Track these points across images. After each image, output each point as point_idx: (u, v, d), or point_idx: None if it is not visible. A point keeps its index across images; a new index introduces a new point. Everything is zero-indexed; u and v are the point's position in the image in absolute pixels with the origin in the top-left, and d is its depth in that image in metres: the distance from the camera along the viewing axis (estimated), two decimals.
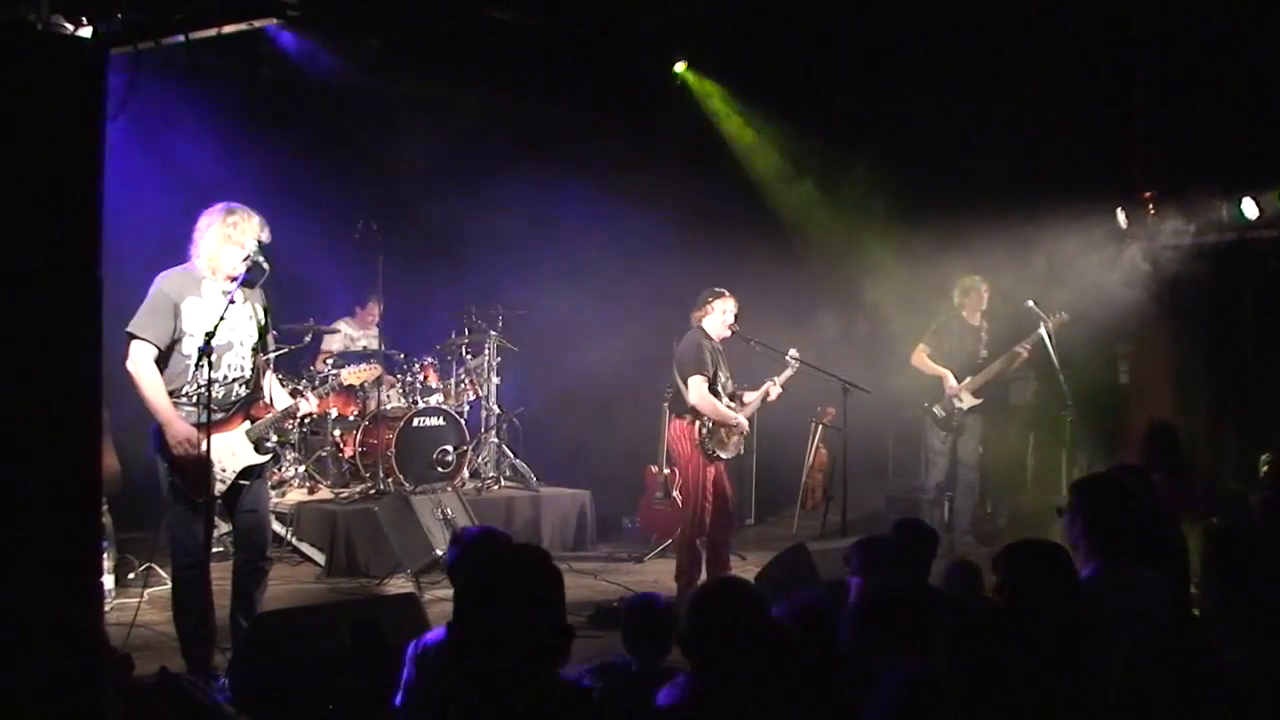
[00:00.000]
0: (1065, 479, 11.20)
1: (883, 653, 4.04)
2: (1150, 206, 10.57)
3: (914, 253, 11.52)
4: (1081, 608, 4.22)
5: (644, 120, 13.52)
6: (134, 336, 6.31)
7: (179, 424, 6.27)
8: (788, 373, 9.04)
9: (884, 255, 12.05)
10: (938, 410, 10.83)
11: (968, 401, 10.77)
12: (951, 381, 10.73)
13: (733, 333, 8.84)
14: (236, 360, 6.52)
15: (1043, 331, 9.79)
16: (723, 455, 8.80)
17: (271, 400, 6.78)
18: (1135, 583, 4.61)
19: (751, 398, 9.01)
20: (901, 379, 11.15)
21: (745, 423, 8.85)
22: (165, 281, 6.40)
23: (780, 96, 13.10)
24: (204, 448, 6.11)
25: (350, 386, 10.64)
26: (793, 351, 9.07)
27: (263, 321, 6.68)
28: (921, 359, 10.88)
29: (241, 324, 6.52)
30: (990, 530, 11.60)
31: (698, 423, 8.68)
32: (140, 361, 6.30)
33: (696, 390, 8.60)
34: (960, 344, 10.86)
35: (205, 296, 6.41)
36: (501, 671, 2.98)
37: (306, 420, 10.56)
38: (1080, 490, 4.98)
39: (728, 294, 8.85)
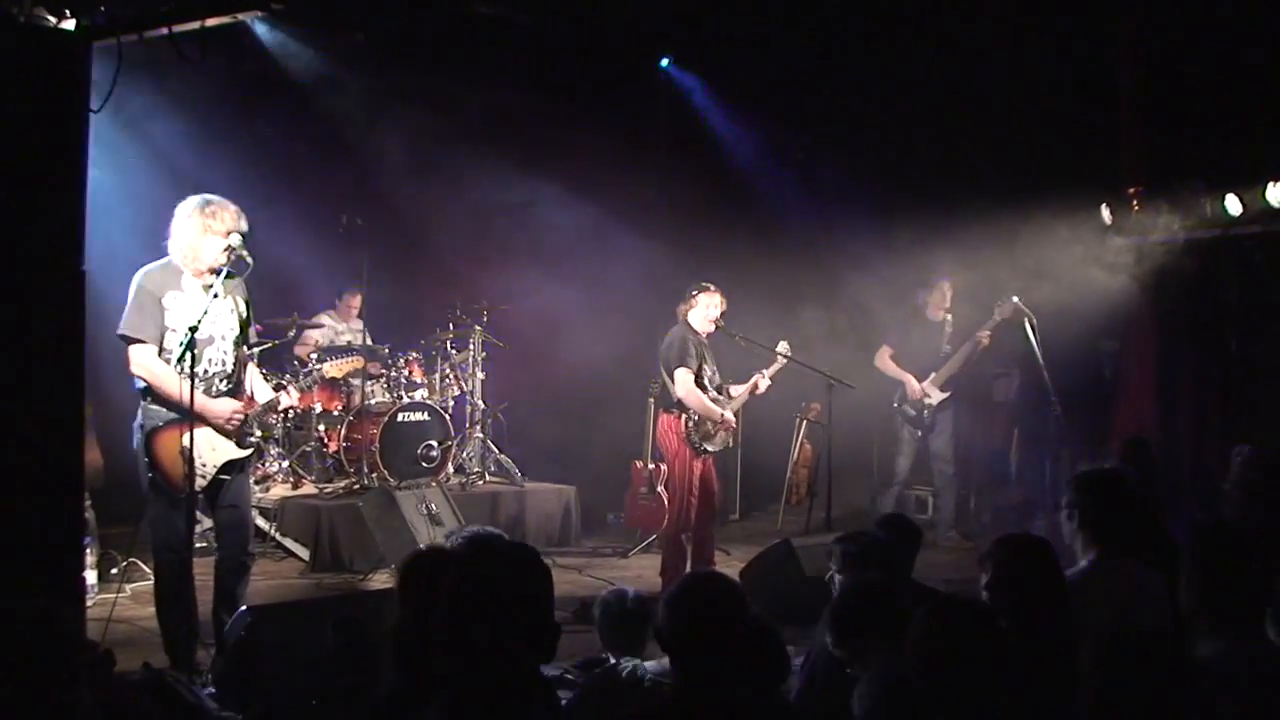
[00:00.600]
0: (1049, 475, 11.24)
1: (858, 654, 4.05)
2: (1135, 202, 10.59)
3: (898, 248, 11.54)
4: (1063, 603, 4.23)
5: (629, 115, 13.51)
6: (131, 340, 6.26)
7: (213, 406, 6.30)
8: (776, 365, 9.03)
9: (869, 250, 12.05)
10: (908, 409, 10.89)
11: (935, 396, 10.84)
12: (913, 384, 10.81)
13: (717, 327, 8.82)
14: (218, 355, 6.48)
15: (1026, 328, 9.80)
16: (709, 449, 8.79)
17: (253, 393, 6.74)
18: (1131, 578, 4.63)
19: (739, 391, 9.01)
20: (887, 375, 11.16)
21: (731, 417, 8.84)
22: (145, 278, 6.34)
23: (765, 91, 13.10)
24: (188, 441, 6.09)
25: (334, 381, 10.62)
26: (783, 345, 9.06)
27: (244, 315, 6.63)
28: (885, 361, 10.93)
29: (223, 318, 6.48)
30: (974, 526, 11.63)
31: (684, 416, 8.68)
32: (147, 361, 6.25)
33: (682, 383, 8.59)
34: (924, 341, 10.93)
35: (186, 290, 6.35)
36: (487, 668, 2.97)
37: (290, 415, 10.53)
38: (1078, 484, 4.98)
39: (713, 288, 8.83)
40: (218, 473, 6.47)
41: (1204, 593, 3.88)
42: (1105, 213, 10.72)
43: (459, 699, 2.97)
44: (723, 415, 8.72)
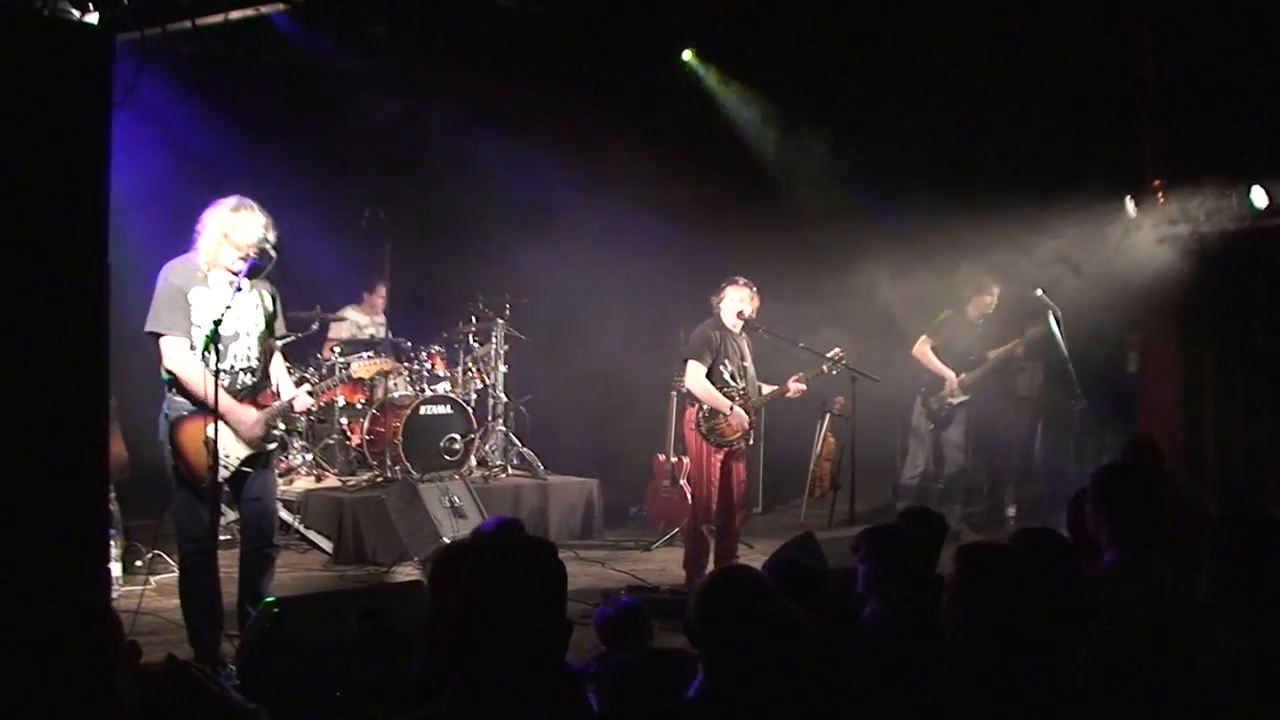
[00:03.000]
0: (1074, 468, 11.20)
1: None
2: (1159, 195, 10.52)
3: (918, 240, 11.49)
4: (1083, 597, 4.20)
5: (652, 108, 13.49)
6: (160, 335, 6.27)
7: (238, 413, 6.31)
8: (815, 370, 9.02)
9: (889, 243, 12.00)
10: (932, 402, 10.80)
11: (959, 397, 10.76)
12: (953, 381, 10.71)
13: (743, 321, 8.81)
14: (243, 351, 6.49)
15: (1051, 321, 9.76)
16: (720, 442, 8.77)
17: (279, 388, 6.76)
18: (1155, 571, 4.59)
19: (769, 390, 9.00)
20: (910, 368, 11.10)
21: (742, 413, 8.79)
22: (172, 273, 6.34)
23: (787, 83, 13.06)
24: (211, 432, 6.11)
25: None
26: (835, 351, 9.06)
27: (271, 310, 6.63)
28: (925, 353, 10.79)
29: (248, 313, 6.49)
30: (999, 520, 11.59)
31: (697, 408, 8.72)
32: (179, 357, 6.26)
33: (691, 374, 8.68)
34: (963, 341, 10.83)
35: (212, 287, 6.36)
36: (498, 662, 2.96)
37: (313, 409, 10.57)
38: (1102, 478, 4.95)
39: (741, 282, 8.82)
40: (241, 465, 6.48)
41: (1223, 586, 3.84)
42: (1130, 205, 10.66)
43: (459, 697, 2.96)
44: (731, 408, 8.70)
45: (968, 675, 3.12)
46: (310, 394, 7.00)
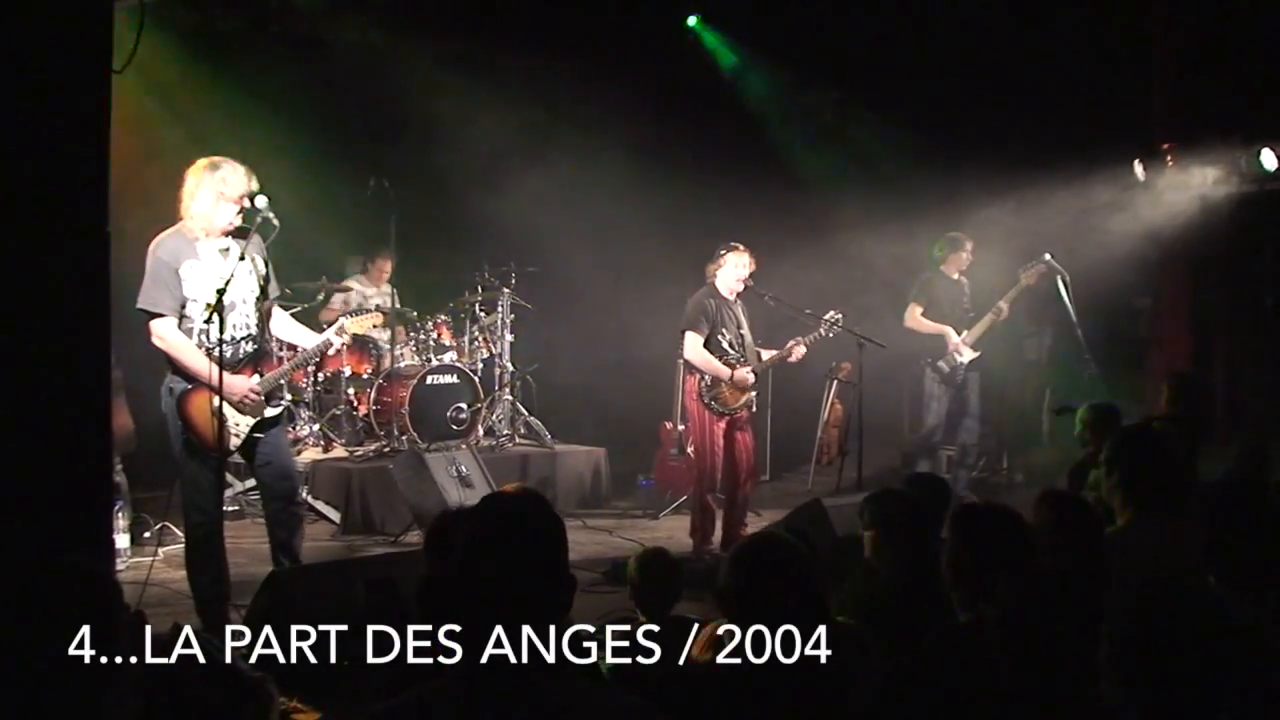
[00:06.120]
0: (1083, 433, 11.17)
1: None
2: (1168, 158, 10.47)
3: (928, 204, 11.44)
4: (1100, 562, 4.18)
5: (657, 75, 13.42)
6: (150, 313, 6.25)
7: (229, 382, 6.27)
8: (815, 334, 8.97)
9: (898, 206, 11.95)
10: (942, 365, 10.75)
11: (966, 355, 10.71)
12: (954, 337, 10.66)
13: (745, 287, 8.80)
14: (241, 319, 6.46)
15: (1059, 285, 9.72)
16: (722, 410, 8.75)
17: (293, 344, 6.73)
18: (1168, 535, 4.57)
19: (769, 355, 8.97)
20: (914, 334, 11.05)
21: (745, 375, 8.75)
22: (160, 248, 6.31)
23: (794, 46, 12.99)
24: (217, 403, 6.09)
25: (363, 344, 10.64)
26: (831, 314, 9.00)
27: (264, 273, 6.60)
28: (917, 319, 10.73)
29: (243, 280, 6.43)
30: (1007, 485, 11.58)
31: (698, 377, 8.70)
32: (167, 334, 6.25)
33: (689, 345, 8.71)
34: (950, 300, 10.77)
35: (202, 258, 6.32)
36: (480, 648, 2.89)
37: (320, 379, 10.57)
38: (1116, 442, 4.93)
39: (741, 248, 8.81)
40: (251, 431, 6.48)
41: (1220, 557, 3.79)
42: (1138, 168, 10.61)
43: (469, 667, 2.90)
44: (732, 374, 8.68)
45: None
46: (339, 333, 6.90)
